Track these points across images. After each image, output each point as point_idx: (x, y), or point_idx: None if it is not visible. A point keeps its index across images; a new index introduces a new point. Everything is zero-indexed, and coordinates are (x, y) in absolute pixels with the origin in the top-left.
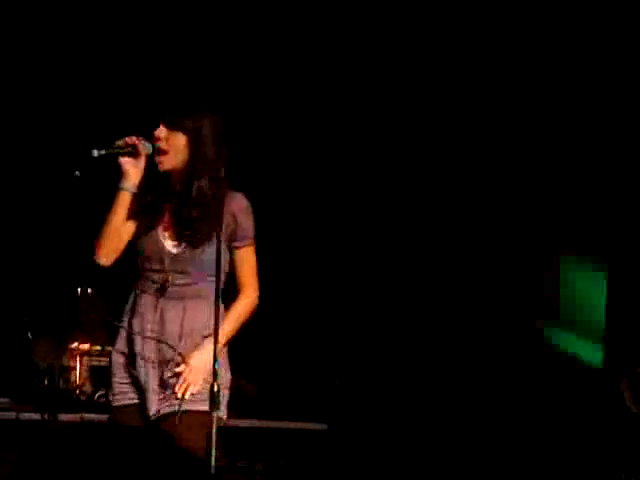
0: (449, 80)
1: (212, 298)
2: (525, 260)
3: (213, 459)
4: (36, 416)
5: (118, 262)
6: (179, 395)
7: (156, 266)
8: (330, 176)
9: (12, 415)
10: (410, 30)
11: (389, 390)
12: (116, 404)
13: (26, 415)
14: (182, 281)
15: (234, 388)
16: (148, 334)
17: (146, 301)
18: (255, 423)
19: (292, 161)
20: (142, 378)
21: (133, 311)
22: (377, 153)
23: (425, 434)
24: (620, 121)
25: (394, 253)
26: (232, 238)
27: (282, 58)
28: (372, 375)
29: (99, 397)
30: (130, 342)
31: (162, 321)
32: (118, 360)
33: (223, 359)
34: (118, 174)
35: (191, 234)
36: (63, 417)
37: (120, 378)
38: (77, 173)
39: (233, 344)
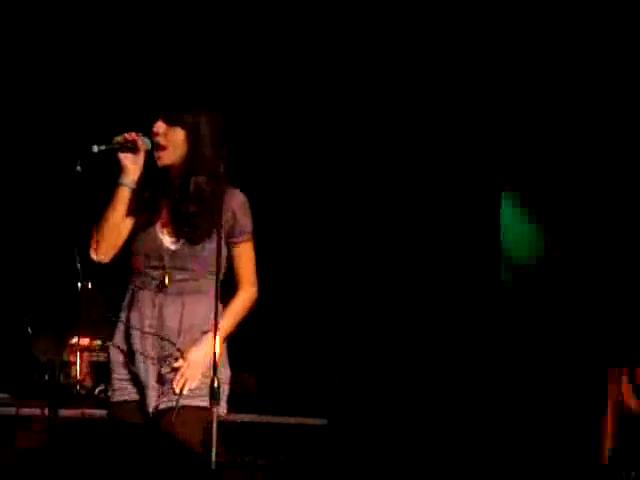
0: (449, 80)
1: (211, 294)
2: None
3: (214, 454)
4: (36, 411)
5: (117, 257)
6: (177, 390)
7: (155, 263)
8: (330, 176)
9: (12, 410)
10: (410, 30)
11: (389, 385)
12: (115, 400)
13: (26, 410)
14: (181, 277)
15: (234, 383)
16: (147, 330)
17: (144, 297)
18: (255, 418)
19: (292, 161)
20: (141, 374)
21: (131, 307)
22: (377, 153)
23: (424, 429)
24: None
25: (393, 251)
26: (230, 234)
27: (282, 58)
28: (372, 370)
29: (99, 392)
30: (128, 338)
31: (161, 317)
32: (117, 357)
33: (222, 355)
34: (117, 170)
35: (189, 230)
36: (64, 412)
37: (119, 374)
38: (78, 168)
39: (233, 339)
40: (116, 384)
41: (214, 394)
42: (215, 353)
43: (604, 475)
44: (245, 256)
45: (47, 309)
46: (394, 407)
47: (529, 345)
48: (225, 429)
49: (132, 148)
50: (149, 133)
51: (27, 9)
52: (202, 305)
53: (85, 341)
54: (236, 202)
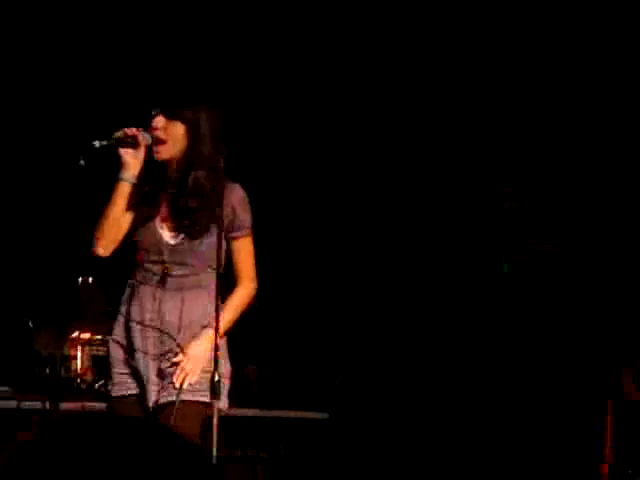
0: (448, 80)
1: (210, 289)
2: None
3: (214, 449)
4: (37, 405)
5: (117, 252)
6: (177, 385)
7: (154, 257)
8: (330, 176)
9: (13, 404)
10: (410, 30)
11: (390, 379)
12: (115, 394)
13: (27, 404)
14: (180, 272)
15: (236, 375)
16: (147, 337)
17: (145, 292)
18: (256, 412)
19: (292, 161)
20: (141, 369)
21: (131, 302)
22: (377, 153)
23: (425, 424)
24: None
25: (393, 246)
26: (230, 229)
27: (283, 58)
28: (373, 365)
29: (100, 386)
30: (128, 333)
31: (161, 312)
32: (116, 351)
33: (223, 349)
34: (117, 165)
35: (189, 225)
36: (64, 406)
37: (119, 369)
38: (82, 162)
39: (234, 333)
40: (116, 378)
41: (214, 389)
42: (217, 346)
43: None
44: (244, 251)
45: (48, 303)
46: (395, 401)
47: (533, 343)
48: (225, 423)
49: (132, 143)
50: (147, 128)
51: (30, 5)
52: (202, 300)
53: (86, 335)
54: (236, 197)
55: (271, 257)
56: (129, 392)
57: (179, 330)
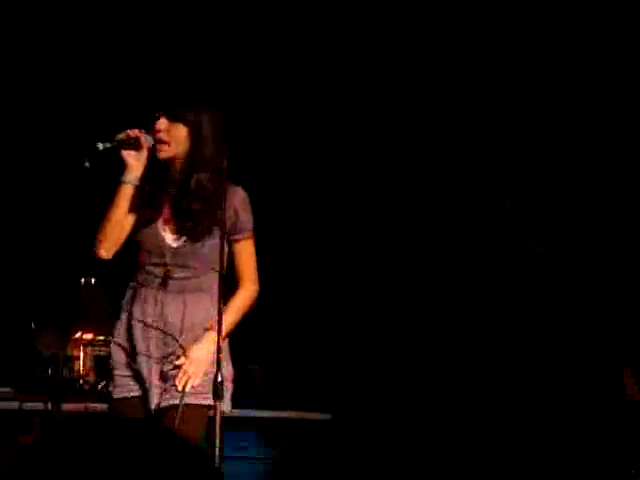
0: (448, 80)
1: (212, 291)
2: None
3: (217, 450)
4: (39, 406)
5: (119, 253)
6: (179, 388)
7: (156, 260)
8: (330, 176)
9: (15, 405)
10: (410, 30)
11: (393, 380)
12: (117, 396)
13: (30, 404)
14: (182, 275)
15: (240, 374)
16: (149, 331)
17: (146, 294)
18: (259, 413)
19: (292, 161)
20: (144, 372)
21: (133, 304)
22: (377, 153)
23: (428, 424)
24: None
25: (394, 250)
26: (231, 231)
27: (283, 57)
28: (376, 365)
29: (103, 387)
30: (130, 336)
31: (163, 315)
32: (118, 354)
33: (225, 352)
34: (119, 166)
35: (191, 227)
36: (67, 407)
37: (121, 371)
38: (87, 164)
39: (237, 333)
40: (118, 380)
41: (217, 390)
42: (219, 348)
43: (613, 473)
44: (246, 253)
45: (50, 304)
46: (398, 402)
47: (535, 344)
48: (228, 423)
49: (135, 145)
50: (151, 130)
51: (33, 8)
52: (204, 303)
53: (88, 335)
54: (237, 199)
55: (272, 257)
56: (132, 394)
57: (181, 332)
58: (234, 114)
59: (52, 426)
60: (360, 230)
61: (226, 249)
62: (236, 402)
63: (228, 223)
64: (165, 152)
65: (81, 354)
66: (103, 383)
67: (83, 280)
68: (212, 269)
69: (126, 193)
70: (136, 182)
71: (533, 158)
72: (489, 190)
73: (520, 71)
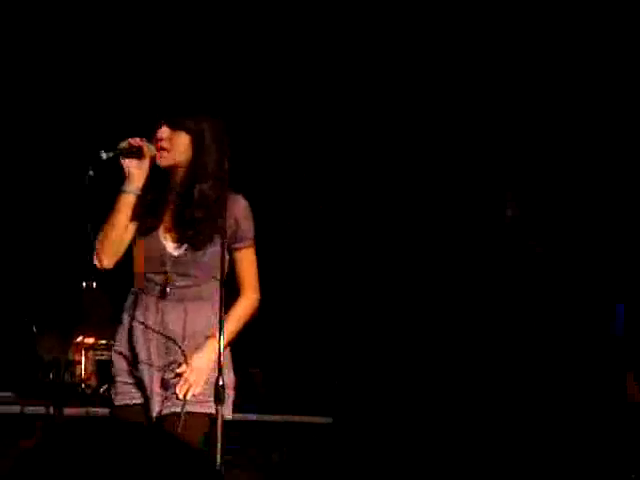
0: (448, 80)
1: (213, 300)
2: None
3: (219, 455)
4: (41, 410)
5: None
6: (180, 396)
7: (157, 268)
8: (330, 176)
9: (17, 409)
10: (410, 30)
11: (394, 384)
12: (118, 403)
13: (31, 409)
14: (183, 283)
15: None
16: (150, 335)
17: (147, 303)
18: (260, 416)
19: (292, 161)
20: (145, 380)
21: (134, 312)
22: (377, 153)
23: (429, 428)
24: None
25: (394, 249)
26: (233, 240)
27: (282, 56)
28: (377, 369)
29: (104, 391)
30: (131, 344)
31: (164, 323)
32: (120, 362)
33: (227, 360)
34: (120, 175)
35: (193, 235)
36: (68, 411)
37: (122, 378)
38: (91, 173)
39: (238, 338)
40: (119, 387)
41: (219, 394)
42: (220, 354)
43: (614, 475)
44: (247, 262)
45: (52, 308)
46: (399, 405)
47: (537, 346)
48: (229, 427)
49: (138, 154)
50: (151, 140)
51: (34, 19)
52: (205, 311)
53: (90, 340)
54: (238, 208)
55: (273, 260)
56: (133, 401)
57: (183, 340)
58: (233, 115)
59: (54, 430)
60: (360, 232)
61: (227, 257)
62: (237, 406)
63: (229, 232)
64: (166, 159)
65: (82, 358)
66: (104, 387)
67: (85, 284)
68: (213, 277)
69: (127, 202)
70: (138, 191)
71: (534, 158)
72: (490, 190)
73: (521, 72)
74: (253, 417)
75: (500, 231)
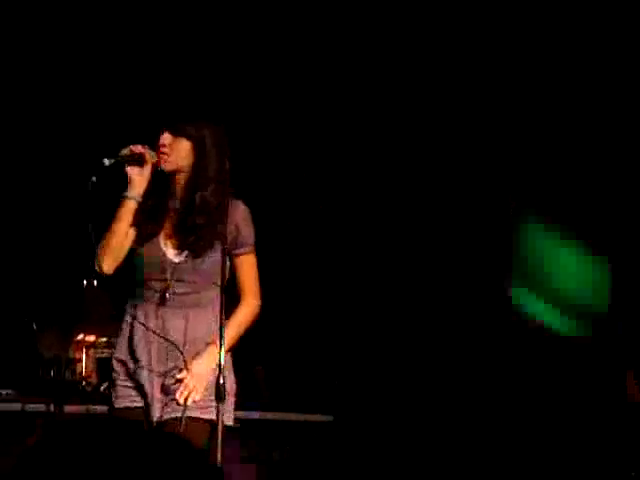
0: (448, 80)
1: (214, 306)
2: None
3: (219, 454)
4: (42, 408)
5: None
6: (181, 402)
7: (157, 275)
8: (330, 176)
9: (18, 406)
10: (411, 32)
11: (394, 382)
12: (119, 406)
13: (32, 406)
14: (183, 290)
15: (245, 375)
16: (151, 341)
17: (147, 310)
18: (260, 415)
19: (292, 161)
20: (145, 386)
21: (133, 320)
22: (377, 153)
23: (430, 426)
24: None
25: (393, 249)
26: (233, 246)
27: (282, 56)
28: (377, 367)
29: (105, 389)
30: (132, 351)
31: (164, 329)
32: (120, 368)
33: (228, 364)
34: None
35: (194, 242)
36: (69, 409)
37: (123, 382)
38: (94, 179)
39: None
40: (120, 391)
41: (219, 392)
42: (221, 357)
43: (614, 474)
44: (247, 267)
45: (52, 305)
46: (400, 404)
47: (537, 345)
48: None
49: (140, 161)
50: (153, 146)
51: (36, 29)
52: (205, 318)
53: (90, 338)
54: (239, 214)
55: (274, 259)
56: (134, 404)
57: (183, 347)
58: (231, 114)
59: (54, 428)
60: (361, 231)
61: (227, 264)
62: (239, 404)
63: (229, 238)
64: (169, 164)
65: (83, 356)
66: (105, 385)
67: (85, 282)
68: (213, 283)
69: (129, 208)
70: (139, 198)
71: (535, 158)
72: (492, 190)
73: (522, 71)
74: (254, 415)
75: (501, 232)
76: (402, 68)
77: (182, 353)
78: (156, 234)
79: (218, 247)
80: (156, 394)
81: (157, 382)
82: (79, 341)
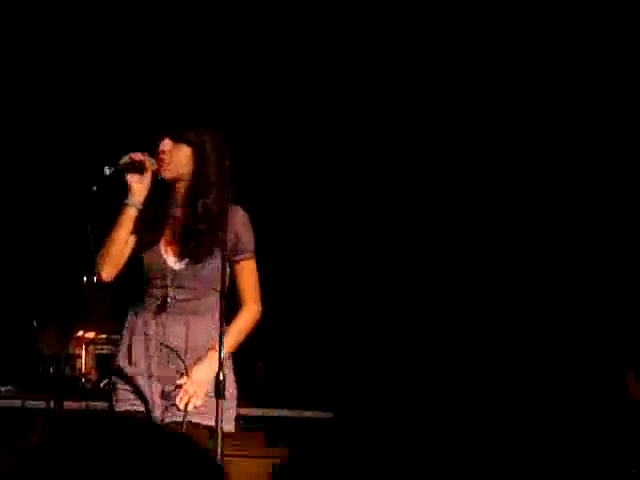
0: (448, 80)
1: (214, 313)
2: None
3: (219, 452)
4: (41, 404)
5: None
6: (181, 407)
7: (158, 282)
8: (330, 176)
9: (18, 403)
10: (412, 33)
11: (395, 379)
12: (119, 409)
13: (32, 403)
14: (183, 296)
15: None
16: (151, 348)
17: (148, 317)
18: (260, 411)
19: (292, 161)
20: (146, 392)
21: (134, 327)
22: (376, 153)
23: (431, 423)
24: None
25: (393, 248)
26: (233, 252)
27: (281, 55)
28: (378, 364)
29: (105, 385)
30: (132, 359)
31: (165, 336)
32: (120, 374)
33: (228, 370)
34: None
35: (195, 248)
36: (69, 405)
37: (123, 387)
38: (94, 188)
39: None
40: (121, 395)
41: (219, 390)
42: (220, 358)
43: (614, 472)
44: (247, 273)
45: (52, 302)
46: (400, 400)
47: (537, 345)
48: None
49: (140, 168)
50: (153, 153)
51: (38, 34)
52: (206, 324)
53: (90, 334)
54: (238, 220)
55: (274, 258)
56: (135, 408)
57: (185, 354)
58: (232, 114)
59: (54, 424)
60: (361, 230)
61: (227, 270)
62: (238, 400)
63: (229, 244)
64: (170, 172)
65: (83, 352)
66: (105, 381)
67: (85, 278)
68: (213, 290)
69: (130, 216)
70: (140, 205)
71: (535, 158)
72: (492, 190)
73: (522, 72)
74: (254, 412)
75: (502, 230)
76: (402, 69)
77: (183, 361)
78: (156, 242)
79: (218, 254)
80: (156, 400)
81: (157, 388)
82: (79, 338)
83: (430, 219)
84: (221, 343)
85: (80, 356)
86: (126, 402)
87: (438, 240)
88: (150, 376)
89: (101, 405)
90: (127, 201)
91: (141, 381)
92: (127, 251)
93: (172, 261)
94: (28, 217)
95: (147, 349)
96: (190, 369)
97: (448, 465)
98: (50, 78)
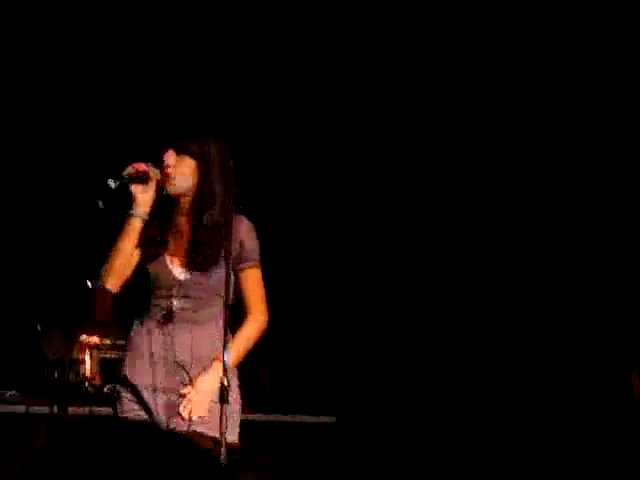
0: (449, 81)
1: (219, 322)
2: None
3: (223, 454)
4: (45, 409)
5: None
6: (185, 416)
7: (163, 292)
8: (330, 176)
9: (22, 408)
10: (413, 34)
11: (397, 383)
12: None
13: (36, 408)
14: (189, 306)
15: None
16: (156, 361)
17: (153, 327)
18: (263, 416)
19: (292, 161)
20: (150, 403)
21: (139, 337)
22: (378, 155)
23: (433, 427)
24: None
25: (394, 250)
26: (237, 261)
27: (281, 55)
28: (380, 368)
29: (109, 390)
30: (137, 369)
31: (172, 346)
32: (125, 384)
33: (233, 378)
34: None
35: (200, 258)
36: (73, 410)
37: (127, 396)
38: (100, 204)
39: None
40: (125, 405)
41: (223, 395)
42: (224, 359)
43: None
44: (253, 282)
45: (56, 307)
46: (402, 404)
47: (541, 345)
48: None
49: (144, 179)
50: (157, 163)
51: (42, 52)
52: (211, 334)
53: (94, 339)
54: (243, 229)
55: (276, 260)
56: (138, 417)
57: (190, 365)
58: (229, 114)
59: (59, 429)
60: (362, 233)
61: (232, 279)
62: (242, 407)
63: (234, 254)
64: (174, 187)
65: (87, 357)
66: (109, 386)
67: (89, 283)
68: (217, 300)
69: (135, 226)
70: (145, 216)
71: (537, 161)
72: (494, 192)
73: (523, 75)
74: (257, 417)
75: (503, 234)
76: (403, 71)
77: (188, 373)
78: (161, 253)
79: (223, 263)
80: (160, 411)
81: (161, 399)
82: (83, 342)
83: (432, 222)
84: (224, 350)
85: (84, 361)
86: (130, 412)
87: (440, 243)
88: (155, 389)
89: (105, 410)
90: (132, 212)
91: (146, 395)
92: (132, 263)
93: (178, 272)
94: (32, 222)
95: (152, 360)
96: (195, 379)
97: (450, 469)
98: (56, 90)
